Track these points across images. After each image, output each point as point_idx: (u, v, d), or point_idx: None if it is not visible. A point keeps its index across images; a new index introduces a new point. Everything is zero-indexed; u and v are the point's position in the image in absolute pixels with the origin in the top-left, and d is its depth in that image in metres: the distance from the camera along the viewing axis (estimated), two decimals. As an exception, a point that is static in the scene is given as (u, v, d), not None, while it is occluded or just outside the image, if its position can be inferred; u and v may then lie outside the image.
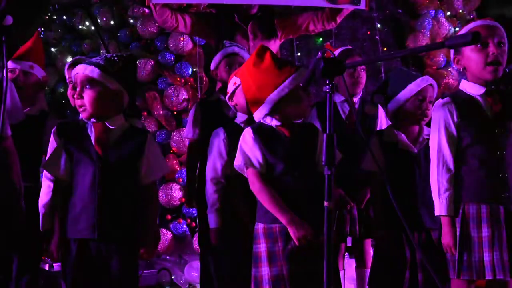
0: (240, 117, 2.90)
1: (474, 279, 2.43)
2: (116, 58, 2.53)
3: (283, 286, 2.33)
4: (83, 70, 2.46)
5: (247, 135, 2.46)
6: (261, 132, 2.46)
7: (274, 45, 3.74)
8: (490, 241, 2.38)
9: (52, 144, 2.53)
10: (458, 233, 2.43)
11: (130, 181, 2.55)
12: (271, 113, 2.47)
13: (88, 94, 2.45)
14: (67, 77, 3.46)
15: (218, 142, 2.87)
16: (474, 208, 2.43)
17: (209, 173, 2.88)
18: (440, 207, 2.46)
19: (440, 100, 2.56)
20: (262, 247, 2.40)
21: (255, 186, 2.42)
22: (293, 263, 2.34)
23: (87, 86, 2.45)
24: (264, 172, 2.42)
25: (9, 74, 2.96)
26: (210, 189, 2.87)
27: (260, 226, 2.43)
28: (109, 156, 2.50)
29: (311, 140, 2.37)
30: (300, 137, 2.45)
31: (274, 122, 2.47)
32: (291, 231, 2.32)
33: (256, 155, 2.42)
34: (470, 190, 2.45)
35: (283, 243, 2.36)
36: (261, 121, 2.51)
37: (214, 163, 2.86)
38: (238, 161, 2.46)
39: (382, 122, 3.41)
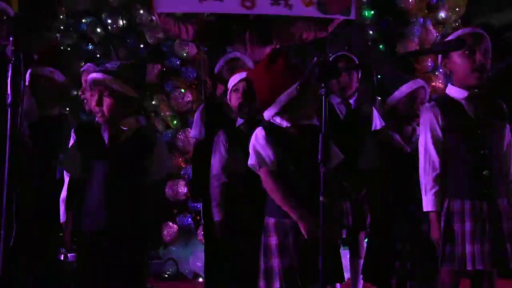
0: (240, 120, 2.92)
1: (455, 269, 2.43)
2: (129, 64, 2.54)
3: (293, 277, 2.31)
4: (98, 77, 2.47)
5: (259, 134, 2.42)
6: (273, 132, 2.42)
7: (270, 52, 3.75)
8: (472, 235, 2.39)
9: (70, 143, 2.54)
10: (442, 227, 2.44)
11: (138, 177, 2.54)
12: (280, 113, 2.44)
13: (106, 102, 2.47)
14: (83, 80, 3.46)
15: (219, 143, 2.90)
16: (458, 204, 2.43)
17: (212, 171, 2.93)
18: (427, 204, 2.46)
19: (426, 104, 2.59)
20: (273, 240, 2.37)
21: (267, 184, 2.39)
22: (303, 255, 2.31)
23: (105, 94, 2.46)
24: (276, 170, 2.39)
25: (31, 78, 2.96)
26: (213, 184, 2.91)
27: (271, 221, 2.39)
28: (119, 155, 2.50)
29: (318, 141, 2.32)
30: (309, 138, 2.39)
31: (284, 123, 2.44)
32: (301, 226, 2.30)
33: (268, 154, 2.39)
34: (455, 187, 2.46)
35: (293, 236, 2.33)
36: (271, 121, 2.47)
37: (216, 162, 2.90)
38: (251, 160, 2.43)
39: (377, 122, 3.41)
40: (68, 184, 2.57)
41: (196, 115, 3.45)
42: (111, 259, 2.47)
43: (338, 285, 3.53)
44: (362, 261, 3.41)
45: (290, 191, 2.36)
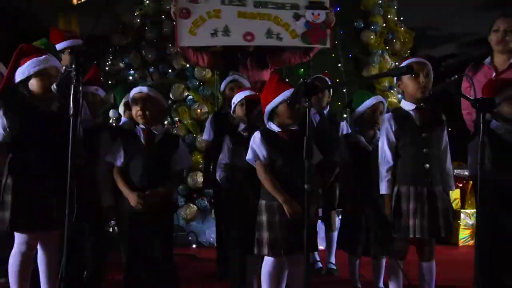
0: (241, 126, 2.92)
1: (401, 237, 2.45)
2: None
3: (278, 246, 2.31)
4: (145, 91, 2.48)
5: (257, 136, 2.42)
6: (267, 135, 2.41)
7: (266, 74, 3.74)
8: (414, 212, 2.41)
9: (108, 141, 2.52)
10: (393, 206, 2.45)
11: (167, 169, 2.53)
12: (271, 120, 2.44)
13: (147, 108, 2.47)
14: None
15: (225, 144, 2.91)
16: (405, 188, 2.45)
17: (219, 164, 2.94)
18: (382, 188, 2.49)
19: (385, 115, 2.61)
20: (264, 218, 2.37)
21: (261, 174, 2.38)
22: (286, 230, 2.32)
23: (147, 102, 2.47)
24: (267, 164, 2.39)
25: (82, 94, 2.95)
26: (218, 173, 2.93)
27: (263, 203, 2.39)
28: (154, 153, 2.49)
29: (302, 142, 2.32)
30: (295, 140, 2.38)
31: (275, 128, 2.44)
32: (285, 208, 2.30)
33: (262, 151, 2.38)
34: (403, 176, 2.47)
35: (279, 215, 2.33)
36: (267, 126, 2.47)
37: (222, 159, 2.91)
38: (249, 156, 2.42)
39: (343, 128, 3.41)
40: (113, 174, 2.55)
41: (207, 123, 3.45)
42: (148, 230, 2.47)
43: (316, 253, 3.55)
44: (334, 233, 3.43)
45: (278, 180, 2.36)
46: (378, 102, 2.87)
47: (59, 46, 3.06)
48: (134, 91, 2.51)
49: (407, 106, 2.51)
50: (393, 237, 2.48)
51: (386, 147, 2.49)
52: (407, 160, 2.46)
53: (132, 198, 2.42)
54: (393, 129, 2.48)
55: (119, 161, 2.49)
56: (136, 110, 2.49)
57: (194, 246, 4.62)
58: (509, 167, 2.51)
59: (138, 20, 5.75)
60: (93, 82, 3.05)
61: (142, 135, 2.50)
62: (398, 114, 2.52)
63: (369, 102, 2.85)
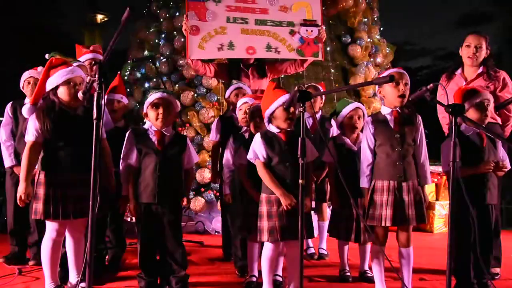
0: (243, 128, 2.92)
1: (375, 225, 2.46)
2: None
3: (276, 233, 2.32)
4: (166, 96, 2.48)
5: (257, 137, 2.42)
6: (266, 136, 2.41)
7: (265, 82, 3.74)
8: (387, 203, 2.42)
9: (127, 142, 2.51)
10: (368, 198, 2.46)
11: (177, 166, 2.53)
12: (270, 123, 2.44)
13: (167, 111, 2.47)
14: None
15: (229, 145, 2.91)
16: (380, 183, 2.46)
17: (224, 162, 2.93)
18: (362, 183, 2.51)
19: (367, 118, 2.61)
20: (264, 209, 2.36)
21: (260, 171, 2.38)
22: (282, 219, 2.32)
23: (166, 107, 2.47)
24: (266, 162, 2.38)
25: (107, 101, 2.95)
26: (225, 171, 2.93)
27: (263, 196, 2.39)
28: (166, 152, 2.48)
29: (297, 143, 2.29)
30: (291, 141, 2.38)
31: (274, 130, 2.43)
32: (282, 200, 2.30)
33: (261, 151, 2.38)
34: (379, 172, 2.48)
35: (276, 207, 2.33)
36: (267, 128, 2.46)
37: (227, 157, 2.91)
38: (250, 154, 2.42)
39: (334, 131, 3.40)
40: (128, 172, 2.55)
41: (213, 125, 3.44)
42: (157, 221, 2.47)
43: (309, 240, 3.54)
44: (325, 223, 3.42)
45: (275, 176, 2.35)
46: (356, 108, 2.87)
47: (81, 59, 3.09)
48: (156, 96, 2.48)
49: (385, 110, 2.52)
50: (374, 226, 2.48)
51: (366, 147, 2.51)
52: (383, 158, 2.46)
53: (130, 206, 2.48)
54: (372, 131, 2.50)
55: (134, 161, 2.48)
56: (157, 113, 2.47)
57: (202, 233, 4.64)
58: (474, 164, 2.52)
59: (154, 36, 5.77)
60: (118, 90, 3.06)
61: (154, 136, 2.50)
62: (376, 118, 2.53)
63: (348, 108, 2.86)
